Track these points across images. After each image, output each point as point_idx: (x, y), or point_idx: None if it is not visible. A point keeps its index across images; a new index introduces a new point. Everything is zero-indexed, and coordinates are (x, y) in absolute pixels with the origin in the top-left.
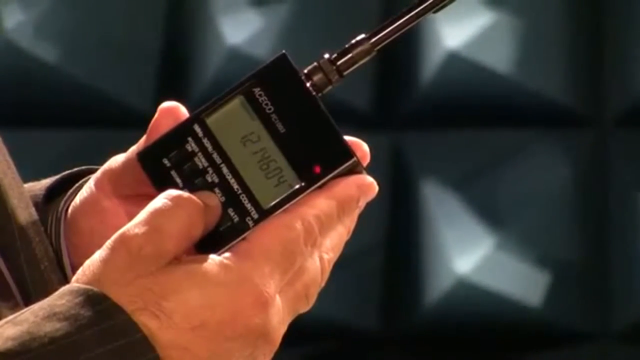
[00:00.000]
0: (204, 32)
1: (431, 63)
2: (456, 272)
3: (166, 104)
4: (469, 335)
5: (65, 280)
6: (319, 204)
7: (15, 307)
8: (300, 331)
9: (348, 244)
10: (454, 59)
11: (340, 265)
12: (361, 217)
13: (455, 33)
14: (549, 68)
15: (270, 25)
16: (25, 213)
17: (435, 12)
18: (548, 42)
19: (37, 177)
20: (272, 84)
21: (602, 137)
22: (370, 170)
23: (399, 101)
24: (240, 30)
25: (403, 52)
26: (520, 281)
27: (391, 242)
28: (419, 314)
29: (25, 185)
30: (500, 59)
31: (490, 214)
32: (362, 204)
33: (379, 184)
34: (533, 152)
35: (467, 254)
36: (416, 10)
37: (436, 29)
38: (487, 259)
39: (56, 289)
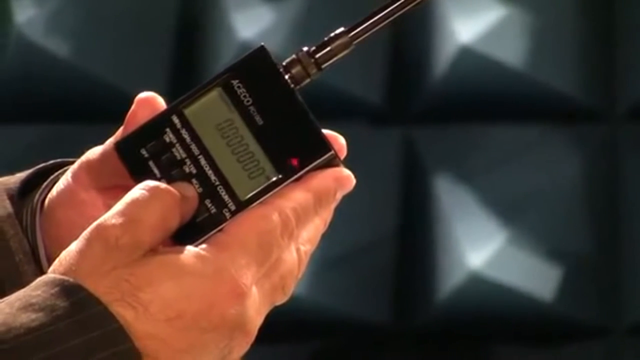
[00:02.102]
0: (216, 27)
1: (443, 58)
2: (468, 267)
3: (143, 95)
4: (481, 329)
5: (41, 272)
6: (296, 196)
7: None
8: (312, 325)
9: (360, 238)
10: (466, 53)
11: (352, 259)
12: (373, 211)
13: (467, 28)
14: (561, 63)
15: (281, 20)
16: None
17: (416, 6)
18: (560, 37)
19: None
20: (250, 76)
21: (613, 132)
22: (383, 164)
23: (412, 96)
24: (252, 25)
25: (416, 46)
26: (532, 275)
27: (403, 236)
28: (431, 309)
29: (0, 179)
30: (512, 53)
31: (502, 208)
32: (339, 196)
33: (390, 178)
34: (544, 146)
35: (479, 249)
36: (396, 4)
37: (448, 23)
38: (499, 253)
39: (30, 281)
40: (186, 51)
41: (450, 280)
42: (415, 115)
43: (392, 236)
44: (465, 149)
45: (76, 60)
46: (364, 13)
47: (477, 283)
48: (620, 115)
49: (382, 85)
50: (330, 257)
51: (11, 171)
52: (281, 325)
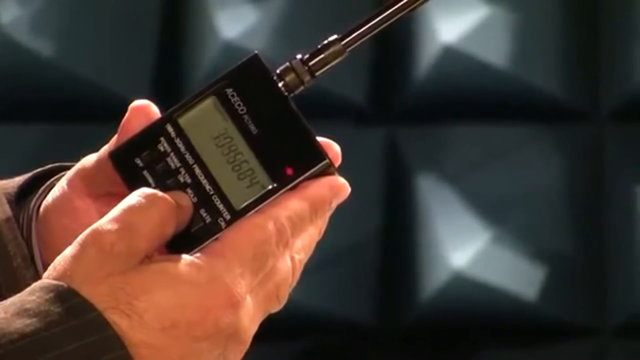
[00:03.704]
0: (200, 26)
1: (427, 57)
2: (452, 266)
3: (137, 102)
4: (465, 329)
5: (38, 277)
6: (292, 205)
7: None
8: (295, 325)
9: (344, 238)
10: (449, 53)
11: (336, 260)
12: (357, 211)
13: (450, 27)
14: (545, 63)
15: (265, 20)
16: None
17: (408, 13)
18: (544, 36)
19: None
20: (244, 84)
21: (598, 132)
22: (366, 164)
23: (395, 95)
24: (235, 24)
25: (399, 45)
26: (516, 275)
27: (386, 236)
28: (414, 308)
29: None
30: (496, 53)
31: (486, 208)
32: (334, 205)
33: (374, 178)
34: (529, 146)
35: (463, 248)
36: (389, 11)
37: (432, 23)
38: (483, 253)
39: (28, 286)
40: (170, 50)
41: (434, 280)
42: (399, 115)
43: (376, 236)
44: (449, 149)
45: (61, 60)
46: (347, 12)
47: (461, 283)
48: (605, 116)
49: (366, 85)
50: (314, 257)
51: None
52: (265, 326)
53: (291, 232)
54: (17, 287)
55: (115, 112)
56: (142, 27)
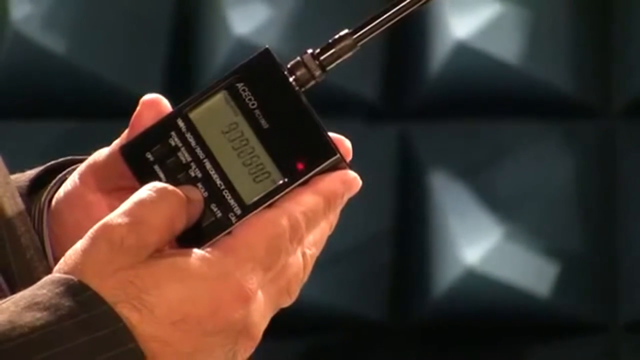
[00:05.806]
0: (212, 23)
1: (439, 53)
2: (464, 263)
3: (148, 97)
4: (477, 325)
5: (50, 270)
6: (306, 200)
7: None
8: (308, 321)
9: (356, 235)
10: (462, 49)
11: (348, 256)
12: (369, 207)
13: (463, 23)
14: (557, 59)
15: (277, 16)
16: (11, 202)
17: (418, 7)
18: (556, 33)
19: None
20: (255, 79)
21: (610, 128)
22: (378, 160)
23: (407, 91)
24: (247, 20)
25: (411, 42)
26: (528, 272)
27: (399, 232)
28: (427, 305)
29: (12, 177)
30: (508, 49)
31: (499, 204)
32: (345, 199)
33: (386, 175)
34: (541, 143)
35: (475, 245)
36: (400, 6)
37: (444, 19)
38: (495, 249)
39: (42, 278)
40: (182, 47)
41: (446, 277)
42: (411, 111)
43: (388, 233)
44: (461, 145)
45: (72, 57)
46: (358, 8)
47: (474, 279)
48: (617, 112)
49: (378, 81)
50: (326, 253)
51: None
52: (277, 322)
53: (305, 227)
54: (31, 279)
55: (127, 109)
56: (154, 23)
